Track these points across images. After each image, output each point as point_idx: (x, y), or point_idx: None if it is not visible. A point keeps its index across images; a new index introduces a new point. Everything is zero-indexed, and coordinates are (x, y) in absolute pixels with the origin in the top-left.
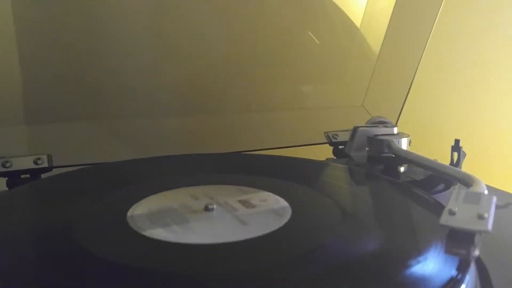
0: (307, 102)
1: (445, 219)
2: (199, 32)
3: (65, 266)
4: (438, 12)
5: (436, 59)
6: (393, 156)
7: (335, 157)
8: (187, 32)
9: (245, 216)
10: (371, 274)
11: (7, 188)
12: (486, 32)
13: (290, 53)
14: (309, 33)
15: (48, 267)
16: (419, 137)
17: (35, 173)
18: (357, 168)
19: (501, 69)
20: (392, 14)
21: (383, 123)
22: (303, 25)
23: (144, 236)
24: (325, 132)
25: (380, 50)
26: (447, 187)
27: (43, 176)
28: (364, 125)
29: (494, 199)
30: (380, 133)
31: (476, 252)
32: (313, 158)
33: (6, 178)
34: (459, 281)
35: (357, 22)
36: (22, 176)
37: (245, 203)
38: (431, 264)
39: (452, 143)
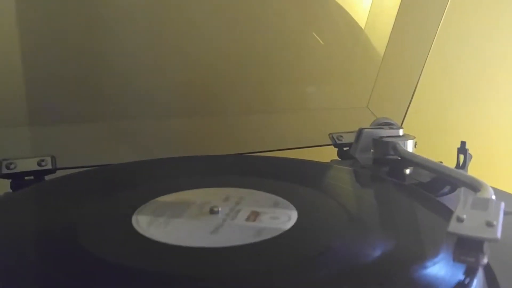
0: (312, 103)
1: (453, 226)
2: (201, 32)
3: (70, 269)
4: (444, 12)
5: (442, 59)
6: (399, 158)
7: (339, 159)
8: (189, 33)
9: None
10: (378, 278)
11: (11, 190)
12: (493, 33)
13: (294, 54)
14: (313, 33)
15: (53, 269)
16: (424, 138)
17: (39, 175)
18: (363, 170)
19: (508, 70)
20: (397, 14)
21: (389, 125)
22: (307, 26)
23: (145, 237)
24: (329, 134)
25: (385, 50)
26: (453, 190)
27: (47, 178)
28: (369, 127)
29: (502, 205)
30: (385, 135)
31: (485, 260)
32: (318, 160)
33: (10, 180)
34: (467, 286)
35: (362, 22)
36: (26, 178)
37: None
38: (439, 268)
39: (458, 145)
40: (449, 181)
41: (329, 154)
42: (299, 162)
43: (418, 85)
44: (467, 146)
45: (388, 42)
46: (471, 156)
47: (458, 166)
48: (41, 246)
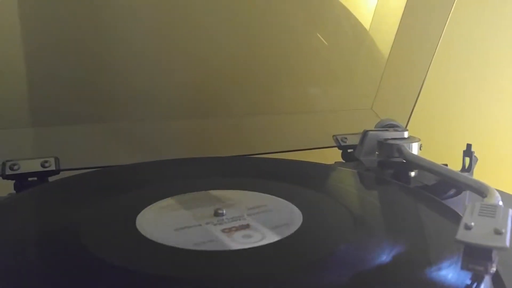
0: (316, 105)
1: (461, 234)
2: (206, 34)
3: (73, 270)
4: (449, 13)
5: (447, 61)
6: (404, 161)
7: (343, 161)
8: (193, 34)
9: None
10: (383, 282)
11: (14, 191)
12: (498, 35)
13: (299, 55)
14: (318, 35)
15: (56, 270)
16: (429, 140)
17: (42, 176)
18: (367, 173)
19: None
20: (402, 15)
21: (394, 126)
22: (312, 27)
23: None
24: (333, 136)
25: (389, 52)
26: (458, 192)
27: (50, 179)
28: (374, 129)
29: (510, 212)
30: (390, 137)
31: (494, 268)
32: (322, 162)
33: (14, 181)
34: None
35: (367, 24)
36: (30, 179)
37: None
38: (446, 272)
39: (464, 148)
40: (454, 184)
41: (333, 156)
42: (308, 164)
43: (423, 87)
44: (472, 149)
45: (393, 43)
46: (476, 159)
47: (464, 169)
48: (44, 247)
